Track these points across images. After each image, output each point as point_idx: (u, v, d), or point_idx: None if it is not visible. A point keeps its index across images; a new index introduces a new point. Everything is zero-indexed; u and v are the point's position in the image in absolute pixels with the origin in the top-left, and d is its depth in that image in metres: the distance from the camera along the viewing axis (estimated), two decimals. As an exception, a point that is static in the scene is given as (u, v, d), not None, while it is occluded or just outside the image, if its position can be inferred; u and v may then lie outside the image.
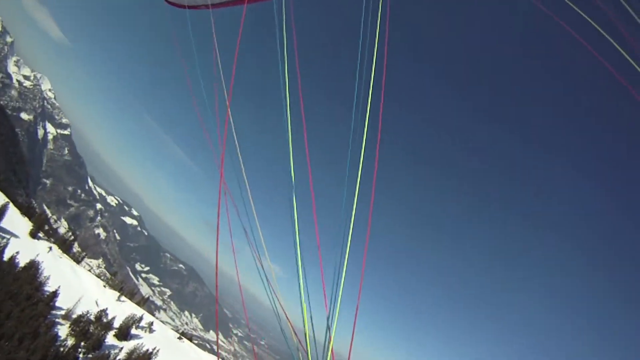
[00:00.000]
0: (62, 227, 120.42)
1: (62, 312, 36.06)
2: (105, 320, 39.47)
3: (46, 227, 53.95)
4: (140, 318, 47.62)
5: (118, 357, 34.49)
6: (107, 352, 35.46)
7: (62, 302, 36.97)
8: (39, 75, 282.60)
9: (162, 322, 61.20)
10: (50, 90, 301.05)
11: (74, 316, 36.21)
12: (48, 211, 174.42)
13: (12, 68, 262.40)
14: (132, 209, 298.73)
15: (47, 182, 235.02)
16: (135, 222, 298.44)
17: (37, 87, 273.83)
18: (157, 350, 39.37)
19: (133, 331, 44.03)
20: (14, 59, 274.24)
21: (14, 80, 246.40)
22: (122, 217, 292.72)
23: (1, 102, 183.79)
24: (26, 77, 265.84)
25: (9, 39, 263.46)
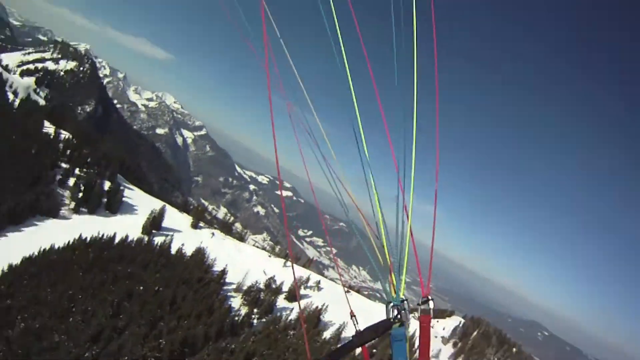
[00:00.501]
0: (222, 214, 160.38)
1: (234, 287, 47.63)
2: (274, 286, 49.53)
3: (207, 217, 70.87)
4: (308, 279, 57.29)
5: (290, 317, 43.02)
6: (278, 314, 44.44)
7: (232, 278, 48.70)
8: (160, 94, 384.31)
9: (330, 279, 72.30)
10: (175, 102, 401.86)
11: (245, 288, 47.20)
12: (206, 203, 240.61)
13: (133, 97, 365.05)
14: (285, 182, 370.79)
15: (199, 179, 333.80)
16: (290, 193, 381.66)
17: (162, 103, 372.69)
18: (326, 306, 46.71)
19: (302, 291, 53.92)
20: (132, 88, 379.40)
21: (140, 106, 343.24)
22: (276, 192, 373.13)
23: (135, 127, 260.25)
24: (149, 99, 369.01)
25: (120, 75, 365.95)
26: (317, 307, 46.90)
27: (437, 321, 65.65)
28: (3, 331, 31.41)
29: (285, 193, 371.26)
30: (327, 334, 43.50)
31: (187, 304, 39.49)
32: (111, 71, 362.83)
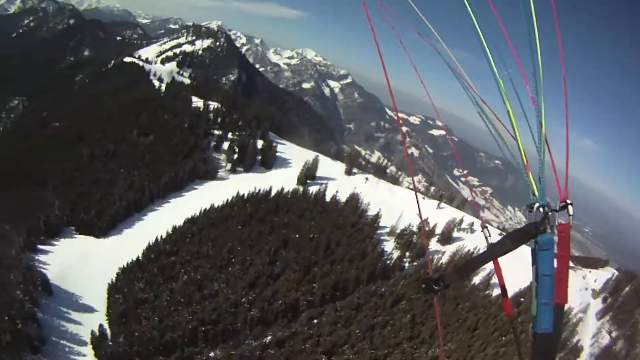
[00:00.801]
0: (375, 158, 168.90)
1: (387, 230, 52.07)
2: (427, 229, 52.06)
3: (361, 163, 77.49)
4: (461, 221, 58.29)
5: (441, 261, 45.18)
6: (430, 257, 47.05)
7: (386, 221, 53.18)
8: (299, 50, 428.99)
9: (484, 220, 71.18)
10: (315, 55, 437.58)
11: (398, 231, 51.09)
12: (360, 149, 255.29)
13: (274, 58, 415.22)
14: (436, 120, 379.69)
15: (351, 126, 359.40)
16: (442, 132, 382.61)
17: (304, 58, 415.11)
18: (478, 250, 47.33)
19: (455, 234, 55.69)
20: (272, 50, 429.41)
21: (282, 65, 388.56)
22: (429, 132, 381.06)
23: (281, 86, 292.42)
24: (290, 57, 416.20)
25: (257, 41, 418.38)
26: (469, 250, 48.42)
27: (590, 271, 61.74)
28: (168, 283, 41.66)
29: (437, 133, 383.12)
30: (476, 279, 44.87)
31: (340, 249, 45.00)
32: (247, 39, 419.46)
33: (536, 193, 2.38)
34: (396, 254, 48.19)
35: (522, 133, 2.47)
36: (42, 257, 51.40)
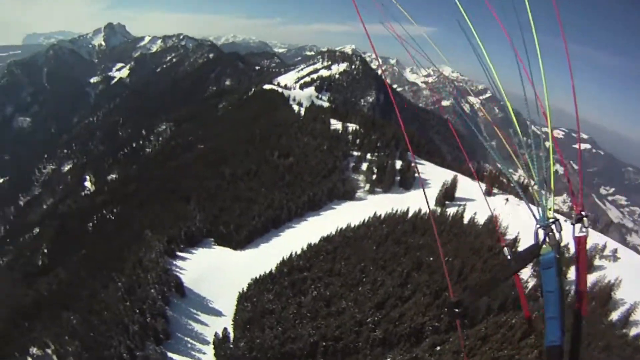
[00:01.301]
0: (517, 176, 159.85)
1: None
2: (567, 255, 47.25)
3: (502, 182, 74.88)
4: (604, 247, 51.70)
5: (571, 289, 40.06)
6: (567, 288, 42.46)
7: (525, 245, 49.28)
8: (436, 68, 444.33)
9: (630, 247, 61.79)
10: (452, 72, 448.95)
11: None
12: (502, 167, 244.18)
13: (411, 77, 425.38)
14: (582, 133, 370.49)
15: (493, 143, 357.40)
16: (588, 146, 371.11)
17: (440, 75, 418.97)
18: (620, 281, 41.37)
19: (596, 262, 49.04)
20: (408, 69, 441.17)
21: (420, 84, 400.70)
22: (574, 146, 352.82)
23: (420, 105, 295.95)
24: (427, 76, 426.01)
25: (392, 61, 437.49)
26: (609, 281, 43.38)
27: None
28: (297, 297, 42.94)
29: (582, 146, 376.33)
30: (614, 315, 41.83)
31: (474, 274, 42.95)
32: (383, 60, 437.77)
33: (538, 214, 2.84)
34: (532, 283, 44.70)
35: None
36: (179, 263, 58.31)
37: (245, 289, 47.91)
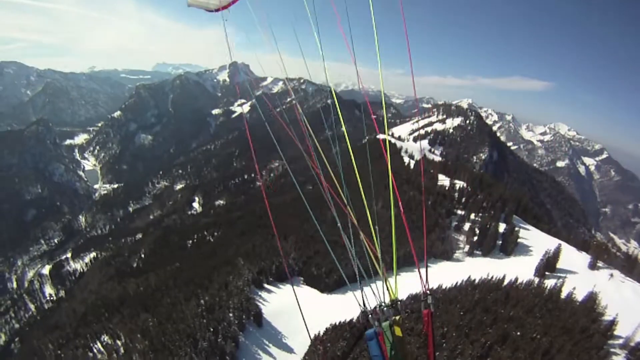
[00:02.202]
0: (632, 248, 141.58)
1: (620, 342, 41.94)
2: None
3: (611, 254, 67.89)
4: None
5: None
6: None
7: (623, 329, 43.21)
8: (552, 125, 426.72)
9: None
10: (569, 130, 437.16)
11: (633, 344, 40.67)
12: (615, 237, 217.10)
13: (526, 135, 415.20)
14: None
15: (607, 210, 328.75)
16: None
17: (557, 134, 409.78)
18: None
19: None
20: (524, 127, 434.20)
21: (535, 142, 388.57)
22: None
23: (535, 165, 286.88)
24: (542, 134, 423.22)
25: (508, 117, 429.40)
26: None
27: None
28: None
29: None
30: None
31: (560, 357, 38.42)
32: (499, 116, 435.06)
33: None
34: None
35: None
36: (264, 294, 59.66)
37: (321, 333, 47.06)
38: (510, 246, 68.49)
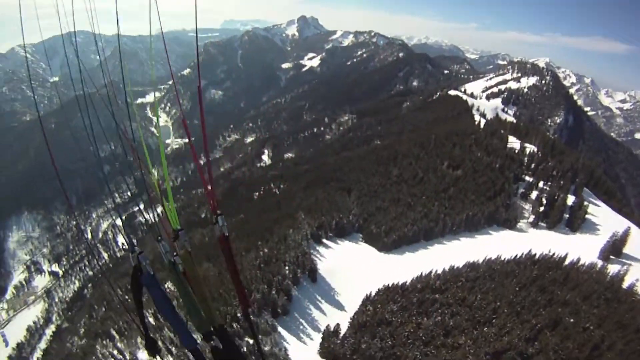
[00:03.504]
0: None
1: None
2: None
3: None
4: None
5: None
6: None
7: None
8: (632, 93, 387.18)
9: None
10: None
11: None
12: None
13: (605, 101, 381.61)
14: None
15: None
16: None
17: (637, 103, 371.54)
18: None
19: None
20: (602, 92, 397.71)
21: (614, 110, 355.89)
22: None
23: (612, 134, 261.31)
24: (622, 101, 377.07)
25: (586, 80, 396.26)
26: None
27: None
28: (419, 317, 41.73)
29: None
30: None
31: (611, 355, 36.10)
32: (577, 78, 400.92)
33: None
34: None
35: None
36: (322, 250, 60.73)
37: (372, 293, 47.56)
38: (577, 222, 64.07)
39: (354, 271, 56.03)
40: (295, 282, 52.93)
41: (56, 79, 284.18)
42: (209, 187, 3.75)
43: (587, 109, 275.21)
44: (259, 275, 51.46)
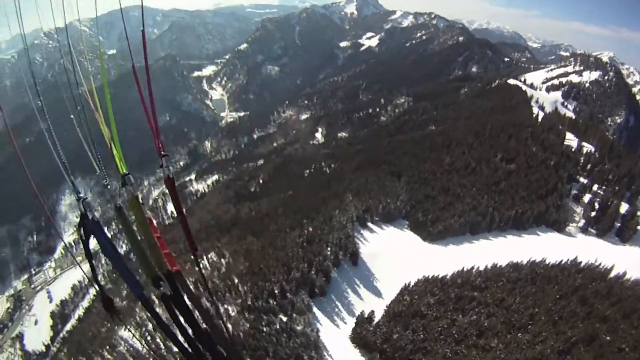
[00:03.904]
0: None
1: None
2: None
3: None
4: None
5: None
6: None
7: None
8: None
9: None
10: None
11: None
12: None
13: None
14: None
15: None
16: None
17: None
18: None
19: None
20: None
21: None
22: None
23: None
24: None
25: None
26: None
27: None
28: (455, 313, 41.89)
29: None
30: None
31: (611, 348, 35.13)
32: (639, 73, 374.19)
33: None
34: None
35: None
36: (366, 233, 61.12)
37: (412, 283, 47.64)
38: (628, 232, 61.06)
39: (396, 258, 56.07)
40: (336, 264, 53.57)
41: (114, 51, 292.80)
42: (155, 130, 4.01)
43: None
44: (300, 254, 52.25)
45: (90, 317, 79.81)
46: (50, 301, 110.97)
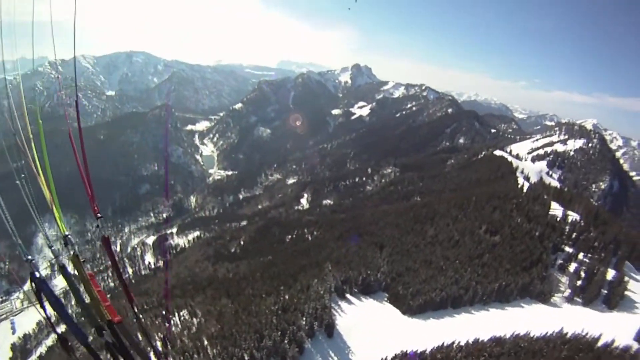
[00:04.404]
0: None
1: None
2: None
3: None
4: None
5: None
6: None
7: None
8: None
9: None
10: None
11: None
12: None
13: None
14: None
15: None
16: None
17: None
18: None
19: None
20: None
21: None
22: None
23: None
24: None
25: (633, 143, 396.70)
26: None
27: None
28: None
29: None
30: None
31: None
32: (624, 141, 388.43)
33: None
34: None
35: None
36: (344, 305, 58.60)
37: (389, 358, 45.04)
38: (615, 298, 59.49)
39: (374, 332, 53.39)
40: (311, 334, 50.98)
41: (112, 93, 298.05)
42: (91, 195, 4.39)
43: (632, 173, 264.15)
44: (274, 321, 49.74)
45: (52, 356, 77.24)
46: (14, 332, 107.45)
